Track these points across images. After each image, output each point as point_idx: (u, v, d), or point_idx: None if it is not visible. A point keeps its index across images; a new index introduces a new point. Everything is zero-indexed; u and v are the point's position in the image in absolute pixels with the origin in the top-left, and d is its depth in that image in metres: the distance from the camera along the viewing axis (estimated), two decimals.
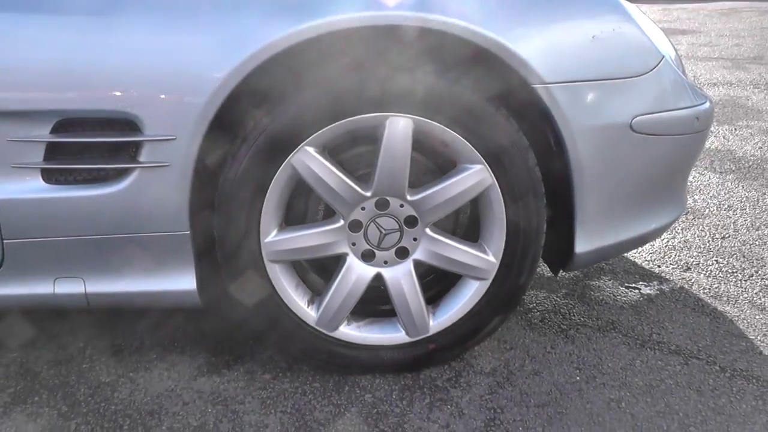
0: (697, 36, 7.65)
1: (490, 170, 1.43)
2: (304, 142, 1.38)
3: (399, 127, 1.39)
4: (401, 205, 1.46)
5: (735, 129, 3.72)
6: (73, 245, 1.42)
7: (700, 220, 2.45)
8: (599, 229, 1.55)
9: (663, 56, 1.55)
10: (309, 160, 1.39)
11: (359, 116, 1.38)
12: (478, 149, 1.42)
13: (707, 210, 2.54)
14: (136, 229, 1.41)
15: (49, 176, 1.37)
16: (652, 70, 1.53)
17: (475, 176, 1.44)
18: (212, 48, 1.32)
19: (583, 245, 1.54)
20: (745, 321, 1.78)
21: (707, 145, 3.40)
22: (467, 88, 1.40)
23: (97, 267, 1.44)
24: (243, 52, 1.30)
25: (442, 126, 1.40)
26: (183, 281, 1.46)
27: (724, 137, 3.56)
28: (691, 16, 9.63)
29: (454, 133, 1.41)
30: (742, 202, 2.61)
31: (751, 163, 3.10)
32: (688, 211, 2.52)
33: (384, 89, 1.37)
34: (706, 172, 2.98)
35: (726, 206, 2.57)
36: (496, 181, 1.44)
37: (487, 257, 1.50)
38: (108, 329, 1.80)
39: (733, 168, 3.03)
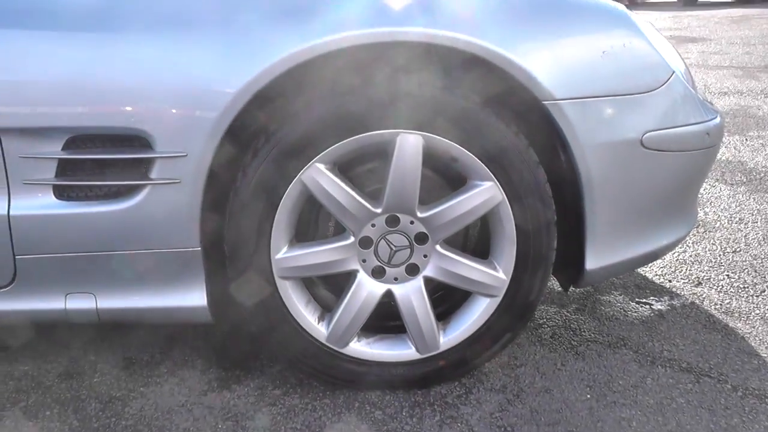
0: (707, 44, 7.63)
1: (500, 187, 1.43)
2: (315, 158, 1.38)
3: (409, 144, 1.39)
4: (411, 222, 1.46)
5: (746, 139, 3.70)
6: (84, 261, 1.42)
7: (711, 233, 2.44)
8: (610, 245, 1.55)
9: (673, 71, 1.55)
10: (319, 176, 1.39)
11: (369, 133, 1.38)
12: (488, 166, 1.42)
13: (718, 223, 2.53)
14: (147, 246, 1.41)
15: (60, 192, 1.38)
16: (662, 85, 1.52)
17: (485, 193, 1.43)
18: (222, 65, 1.32)
19: (593, 262, 1.53)
20: (756, 338, 1.76)
21: (718, 156, 3.38)
22: (477, 105, 1.40)
23: (109, 282, 1.45)
24: (252, 69, 1.31)
25: (453, 142, 1.40)
26: (194, 297, 1.46)
27: (735, 148, 3.55)
28: (701, 23, 9.60)
29: (464, 150, 1.41)
30: (753, 215, 2.60)
31: (762, 174, 3.08)
32: (699, 224, 2.51)
33: (394, 106, 1.37)
34: (717, 183, 2.97)
35: (737, 219, 2.56)
36: (506, 198, 1.44)
37: (497, 274, 1.50)
38: (118, 341, 1.81)
39: (744, 180, 3.01)
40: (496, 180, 1.43)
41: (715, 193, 2.85)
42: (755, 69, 6.06)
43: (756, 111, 4.41)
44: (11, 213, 1.37)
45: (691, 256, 2.26)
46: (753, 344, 1.74)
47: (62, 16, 1.33)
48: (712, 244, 2.35)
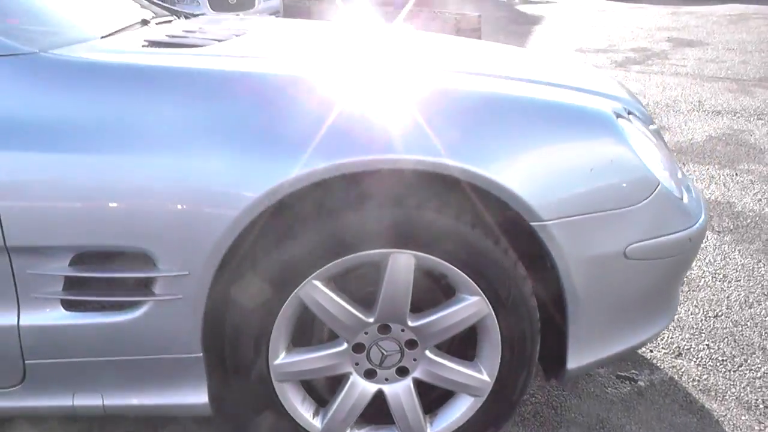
0: (704, 49, 7.64)
1: (487, 301, 1.50)
2: (311, 276, 1.45)
3: (401, 263, 1.45)
4: (402, 330, 1.53)
5: (736, 174, 3.76)
6: (91, 365, 1.50)
7: (695, 293, 2.52)
8: (591, 346, 1.62)
9: (659, 182, 1.60)
10: (315, 292, 1.46)
11: (363, 253, 1.45)
12: (477, 282, 1.49)
13: (702, 281, 2.60)
14: (150, 352, 1.49)
15: (68, 304, 1.45)
16: (647, 198, 1.58)
17: (472, 307, 1.51)
18: (221, 190, 1.38)
19: (575, 362, 1.61)
20: (730, 422, 1.85)
21: (708, 196, 3.44)
22: (467, 225, 1.47)
23: (115, 383, 1.52)
24: (250, 195, 1.37)
25: (442, 261, 1.47)
26: (196, 396, 1.54)
27: (724, 184, 3.61)
28: (699, 23, 9.59)
29: (454, 268, 1.47)
30: (737, 271, 2.68)
31: (749, 220, 3.15)
32: (684, 282, 2.58)
33: (386, 228, 1.43)
34: None
35: (721, 276, 2.64)
36: (493, 311, 1.51)
37: (482, 377, 1.58)
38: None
39: (731, 227, 3.08)
40: (483, 294, 1.50)
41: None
42: (750, 82, 6.10)
43: (748, 137, 4.47)
44: (21, 323, 1.44)
45: (674, 321, 2.34)
46: (727, 429, 1.83)
47: (67, 137, 1.38)
48: (695, 306, 2.43)
